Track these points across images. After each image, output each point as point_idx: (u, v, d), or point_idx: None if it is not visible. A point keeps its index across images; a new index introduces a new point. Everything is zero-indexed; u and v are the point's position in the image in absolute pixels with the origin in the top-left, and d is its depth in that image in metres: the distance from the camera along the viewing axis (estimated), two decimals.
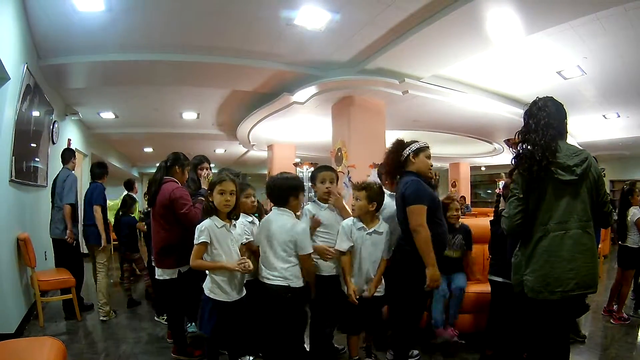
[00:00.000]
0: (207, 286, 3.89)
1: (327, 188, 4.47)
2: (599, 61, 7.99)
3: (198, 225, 3.88)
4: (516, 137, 3.40)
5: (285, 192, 4.15)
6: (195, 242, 3.82)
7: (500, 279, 4.55)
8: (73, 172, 7.23)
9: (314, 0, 6.14)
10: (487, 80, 9.74)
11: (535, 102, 3.40)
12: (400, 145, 4.40)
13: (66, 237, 6.84)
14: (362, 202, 4.24)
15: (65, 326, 6.37)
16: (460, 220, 5.68)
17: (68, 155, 7.40)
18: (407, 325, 4.31)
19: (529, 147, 3.22)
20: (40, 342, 4.08)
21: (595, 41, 7.12)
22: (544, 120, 3.23)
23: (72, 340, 5.73)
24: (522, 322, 3.46)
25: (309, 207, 4.55)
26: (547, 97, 3.41)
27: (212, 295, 3.83)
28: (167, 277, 4.82)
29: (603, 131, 13.36)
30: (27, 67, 6.18)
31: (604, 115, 11.92)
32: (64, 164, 7.28)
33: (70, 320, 6.55)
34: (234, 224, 4.00)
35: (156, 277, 5.00)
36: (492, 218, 5.31)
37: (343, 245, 4.28)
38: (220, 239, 3.84)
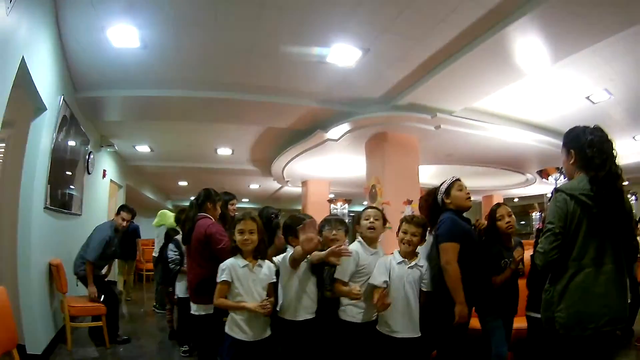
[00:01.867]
0: (228, 323, 3.88)
1: (370, 223, 4.22)
2: (625, 82, 7.86)
3: (220, 264, 3.89)
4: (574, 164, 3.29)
5: None
6: (217, 280, 3.83)
7: (539, 315, 4.39)
8: (112, 227, 7.24)
9: (344, 38, 6.21)
10: (518, 110, 9.64)
11: (590, 131, 3.25)
12: (431, 195, 4.54)
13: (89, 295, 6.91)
14: (418, 238, 4.13)
15: (93, 352, 6.42)
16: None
17: (120, 208, 7.53)
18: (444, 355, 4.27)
19: (604, 180, 3.07)
20: None
21: (620, 62, 7.03)
22: (606, 152, 3.15)
23: None
24: (551, 357, 3.38)
25: (354, 247, 4.20)
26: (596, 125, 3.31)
27: (231, 333, 3.80)
28: (203, 313, 4.77)
29: (633, 153, 12.99)
30: (63, 99, 6.37)
31: (633, 137, 11.62)
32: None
33: (99, 347, 6.59)
34: (259, 264, 3.95)
35: (192, 312, 4.93)
36: (532, 252, 5.07)
37: (380, 278, 4.03)
38: (242, 278, 3.81)
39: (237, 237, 3.86)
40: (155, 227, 9.61)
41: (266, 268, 3.98)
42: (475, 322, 4.38)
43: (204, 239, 4.77)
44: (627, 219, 3.14)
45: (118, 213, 7.40)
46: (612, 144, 3.20)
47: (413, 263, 4.11)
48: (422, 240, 4.15)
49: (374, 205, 4.46)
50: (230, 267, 3.80)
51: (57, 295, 6.52)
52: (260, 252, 3.98)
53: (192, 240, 4.95)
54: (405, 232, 4.11)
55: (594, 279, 2.98)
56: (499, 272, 4.45)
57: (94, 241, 6.86)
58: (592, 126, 3.29)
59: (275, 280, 4.09)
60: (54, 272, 6.26)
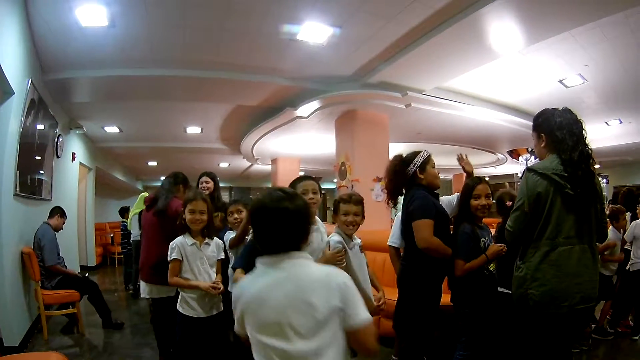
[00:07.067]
0: (179, 301, 3.97)
1: (310, 199, 3.56)
2: (600, 68, 8.03)
3: (170, 243, 3.97)
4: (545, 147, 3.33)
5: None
6: (168, 259, 3.92)
7: (507, 291, 4.36)
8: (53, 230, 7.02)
9: (315, 16, 6.18)
10: (490, 91, 9.78)
11: (557, 113, 3.31)
12: (402, 162, 4.23)
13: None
14: (360, 217, 3.81)
15: (69, 340, 6.40)
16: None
17: (56, 212, 7.31)
18: (415, 340, 4.19)
19: (575, 160, 3.13)
20: (45, 357, 4.09)
21: (596, 49, 7.15)
22: (573, 132, 3.20)
23: (76, 355, 5.75)
24: (524, 334, 3.41)
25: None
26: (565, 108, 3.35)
27: (181, 310, 3.92)
28: (164, 295, 4.78)
29: (606, 138, 13.40)
30: (31, 82, 6.23)
31: (606, 122, 11.95)
32: (48, 219, 7.17)
33: (75, 335, 6.58)
34: (207, 242, 4.07)
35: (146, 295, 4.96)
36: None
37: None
38: (190, 256, 3.94)
39: (188, 216, 3.97)
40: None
41: (213, 246, 4.12)
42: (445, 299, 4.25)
43: (173, 215, 4.68)
44: (598, 200, 3.19)
45: (52, 217, 7.22)
46: (581, 125, 3.25)
47: (359, 242, 3.87)
48: (363, 217, 3.85)
49: (311, 176, 3.92)
50: (179, 246, 3.92)
51: (30, 284, 6.44)
52: (209, 231, 4.11)
53: (163, 219, 4.92)
54: (346, 214, 3.73)
55: (567, 258, 3.04)
56: (476, 254, 3.99)
57: (47, 247, 6.67)
58: (560, 108, 3.33)
59: (223, 257, 4.20)
60: (26, 261, 6.17)
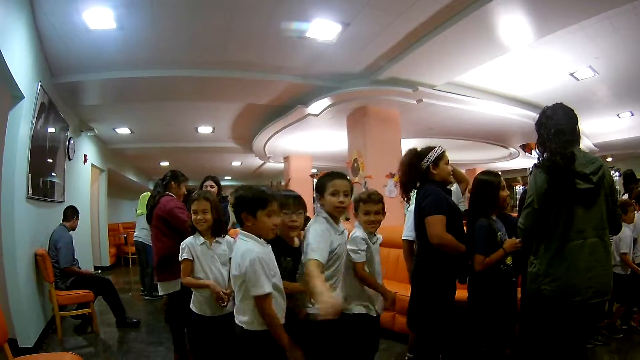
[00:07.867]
0: (192, 299, 3.97)
1: (340, 202, 3.37)
2: (610, 60, 7.95)
3: (181, 243, 3.98)
4: (536, 148, 3.37)
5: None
6: (179, 259, 3.94)
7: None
8: (70, 232, 7.16)
9: (324, 13, 6.16)
10: (500, 85, 9.71)
11: (544, 112, 3.39)
12: (416, 156, 4.19)
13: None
14: (380, 215, 3.87)
15: (84, 340, 6.43)
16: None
17: (70, 213, 7.41)
18: (430, 337, 4.13)
19: (548, 156, 3.19)
20: (59, 357, 4.08)
21: (606, 41, 7.08)
22: (554, 128, 3.21)
23: (91, 355, 5.78)
24: (540, 330, 3.39)
25: (322, 225, 3.35)
26: (556, 104, 3.39)
27: (194, 309, 3.92)
28: (172, 291, 4.84)
29: (618, 131, 13.31)
30: (41, 86, 6.25)
31: (618, 115, 11.86)
32: (63, 221, 7.28)
33: (89, 334, 6.62)
34: (217, 241, 4.06)
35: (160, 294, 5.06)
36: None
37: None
38: (200, 256, 3.93)
39: (192, 216, 3.99)
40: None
41: (225, 244, 4.09)
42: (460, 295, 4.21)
43: (163, 214, 4.92)
44: (610, 193, 3.18)
45: (70, 219, 7.33)
46: (561, 120, 3.27)
47: (380, 237, 3.94)
48: (384, 213, 3.91)
49: (344, 174, 3.54)
50: (189, 246, 3.93)
51: (44, 285, 6.45)
52: (218, 230, 4.10)
53: (153, 218, 5.07)
54: (368, 213, 3.75)
55: (579, 252, 3.04)
56: (494, 248, 3.96)
57: (62, 250, 6.74)
58: (549, 106, 3.42)
59: None
60: (39, 262, 6.21)
